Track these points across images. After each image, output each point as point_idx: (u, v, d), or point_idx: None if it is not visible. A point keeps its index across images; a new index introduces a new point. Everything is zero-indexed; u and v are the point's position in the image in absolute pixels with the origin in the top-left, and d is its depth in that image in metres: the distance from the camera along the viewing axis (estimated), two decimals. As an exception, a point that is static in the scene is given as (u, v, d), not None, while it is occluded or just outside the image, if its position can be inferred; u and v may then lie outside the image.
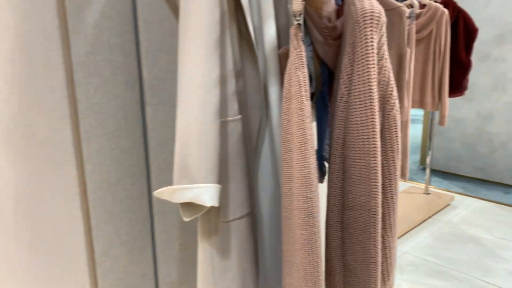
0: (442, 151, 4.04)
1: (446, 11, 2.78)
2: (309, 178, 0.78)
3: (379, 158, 0.83)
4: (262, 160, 1.03)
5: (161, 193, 0.84)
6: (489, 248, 2.70)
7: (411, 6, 2.78)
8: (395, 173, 0.90)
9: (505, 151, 3.67)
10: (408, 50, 2.60)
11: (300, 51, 0.80)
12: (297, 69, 0.79)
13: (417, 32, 2.86)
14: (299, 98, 0.79)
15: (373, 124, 0.82)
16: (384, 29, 0.85)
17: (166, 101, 1.09)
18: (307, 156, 0.78)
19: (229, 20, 0.90)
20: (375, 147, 0.82)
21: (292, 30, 0.83)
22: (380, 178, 0.84)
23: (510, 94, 3.56)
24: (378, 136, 0.82)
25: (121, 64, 1.04)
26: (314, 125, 1.70)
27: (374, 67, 0.82)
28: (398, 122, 0.88)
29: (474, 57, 3.72)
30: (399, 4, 2.53)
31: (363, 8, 0.83)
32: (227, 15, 0.87)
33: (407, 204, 3.25)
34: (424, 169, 4.19)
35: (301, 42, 0.81)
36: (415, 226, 3.02)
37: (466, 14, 2.95)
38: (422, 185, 3.73)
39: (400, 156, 0.91)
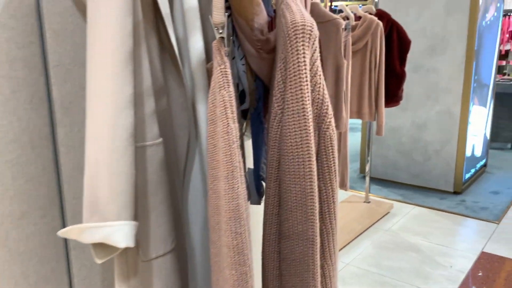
0: (381, 159, 4.13)
1: (380, 23, 2.83)
2: (238, 211, 0.70)
3: (315, 183, 0.76)
4: (192, 186, 0.93)
5: (67, 232, 0.72)
6: (428, 255, 2.75)
7: (347, 18, 2.80)
8: (333, 196, 0.83)
9: (438, 158, 3.80)
10: (345, 61, 2.61)
11: (224, 68, 0.72)
12: (222, 88, 0.71)
13: (353, 43, 2.88)
14: (224, 121, 0.70)
15: (308, 146, 0.75)
16: (316, 43, 0.79)
17: (80, 121, 0.97)
18: (235, 186, 0.70)
19: (147, 31, 0.80)
20: (310, 171, 0.75)
21: (215, 44, 0.75)
22: (317, 204, 0.77)
23: (442, 103, 3.70)
24: (313, 158, 0.76)
25: (24, 81, 0.90)
26: (249, 143, 1.62)
27: (307, 85, 0.75)
28: (335, 142, 0.82)
29: (408, 68, 3.83)
30: (335, 16, 2.54)
31: (294, 21, 0.76)
32: (142, 26, 0.77)
33: (348, 213, 3.26)
34: (364, 177, 4.25)
35: (225, 58, 0.73)
36: (357, 236, 3.03)
37: (399, 26, 3.03)
38: (362, 194, 3.77)
39: (337, 179, 0.85)
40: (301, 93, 0.75)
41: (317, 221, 0.77)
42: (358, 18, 3.00)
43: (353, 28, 2.88)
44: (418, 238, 2.98)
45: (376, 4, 3.27)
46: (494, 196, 3.72)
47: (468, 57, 3.52)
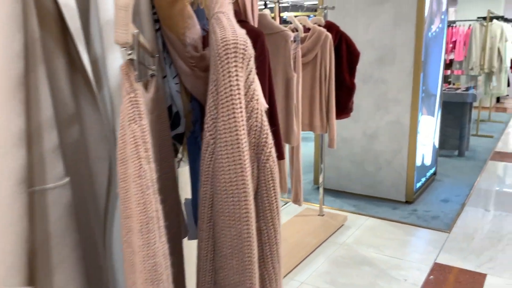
0: (334, 170, 4.11)
1: (329, 34, 2.80)
2: (155, 272, 0.58)
3: (252, 226, 0.66)
4: (116, 228, 0.80)
5: None
6: (382, 268, 2.71)
7: (296, 30, 2.74)
8: (276, 237, 0.73)
9: (390, 168, 3.82)
10: (295, 74, 2.55)
11: (134, 97, 0.60)
12: (132, 121, 0.59)
13: (303, 55, 2.83)
14: (136, 161, 0.58)
15: (243, 184, 0.65)
16: (252, 63, 0.69)
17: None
18: (151, 241, 0.58)
19: (50, 50, 0.67)
20: (247, 213, 0.65)
21: (122, 68, 0.62)
22: (255, 251, 0.67)
23: (392, 114, 3.73)
24: (250, 198, 0.65)
25: None
26: (186, 170, 1.50)
27: (241, 112, 0.65)
28: (276, 175, 0.72)
29: (358, 79, 3.84)
30: (283, 27, 2.47)
31: (224, 38, 0.66)
32: (40, 44, 0.64)
33: (302, 228, 3.18)
34: (318, 188, 4.21)
35: (135, 85, 0.62)
36: (312, 252, 2.95)
37: (348, 38, 3.01)
38: (316, 206, 3.72)
39: (280, 215, 0.75)
40: (235, 121, 0.64)
41: (256, 270, 0.67)
42: (307, 30, 2.96)
43: (302, 40, 2.83)
44: (372, 251, 2.95)
45: (325, 16, 3.24)
46: (444, 204, 3.77)
47: (416, 67, 3.57)
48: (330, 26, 2.95)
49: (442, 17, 4.10)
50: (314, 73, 2.87)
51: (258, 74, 2.14)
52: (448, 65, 9.10)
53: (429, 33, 3.73)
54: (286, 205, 3.81)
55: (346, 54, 3.02)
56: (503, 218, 3.46)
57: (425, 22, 3.54)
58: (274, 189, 0.71)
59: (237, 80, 0.65)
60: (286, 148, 2.91)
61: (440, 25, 4.06)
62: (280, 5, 2.79)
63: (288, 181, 3.72)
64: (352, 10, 3.78)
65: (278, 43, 2.38)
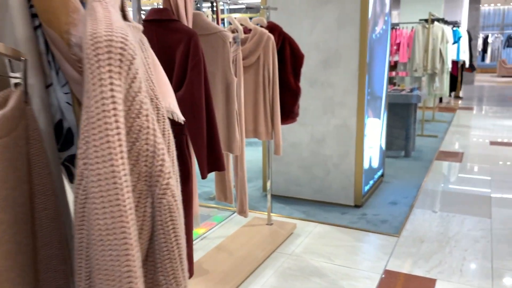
0: (283, 176, 3.99)
1: (271, 36, 2.66)
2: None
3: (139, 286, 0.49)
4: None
5: None
6: (332, 279, 2.60)
7: (236, 31, 2.59)
8: (179, 294, 0.56)
9: (338, 172, 3.74)
10: (236, 78, 2.39)
11: None
12: None
13: (245, 58, 2.68)
14: None
15: (123, 231, 0.47)
16: (135, 68, 0.52)
17: None
18: None
19: None
20: (130, 271, 0.47)
21: None
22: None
23: (339, 117, 3.65)
24: (134, 250, 0.48)
25: None
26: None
27: (117, 134, 0.48)
28: (177, 213, 0.55)
29: (304, 82, 3.75)
30: (220, 28, 2.30)
31: (95, 33, 0.48)
32: None
33: (249, 240, 3.03)
34: (266, 195, 4.08)
35: None
36: (260, 264, 2.80)
37: (291, 40, 2.89)
38: (265, 214, 3.58)
39: (185, 265, 0.58)
40: (108, 147, 0.47)
41: None
42: (248, 30, 2.81)
43: (244, 42, 2.68)
44: (322, 260, 2.83)
45: (268, 17, 3.11)
46: (393, 207, 3.75)
47: (361, 70, 3.51)
48: (273, 27, 2.82)
49: (386, 18, 4.09)
50: (257, 76, 2.72)
51: (192, 78, 1.96)
52: (393, 67, 9.30)
53: (373, 35, 3.69)
54: (233, 215, 3.64)
55: (290, 57, 2.90)
56: (449, 219, 3.47)
57: (369, 23, 3.49)
58: (174, 232, 0.55)
59: (111, 90, 0.48)
60: (231, 156, 2.75)
61: (384, 27, 4.05)
62: (221, 5, 2.63)
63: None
64: (296, 11, 3.68)
65: (216, 45, 2.21)
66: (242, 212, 2.64)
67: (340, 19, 3.52)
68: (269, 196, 3.25)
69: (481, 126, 7.44)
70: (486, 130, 7.09)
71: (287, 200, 3.95)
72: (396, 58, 9.29)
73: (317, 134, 3.77)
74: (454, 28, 8.79)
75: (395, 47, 9.22)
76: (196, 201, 2.27)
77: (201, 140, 1.96)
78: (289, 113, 2.96)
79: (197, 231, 3.30)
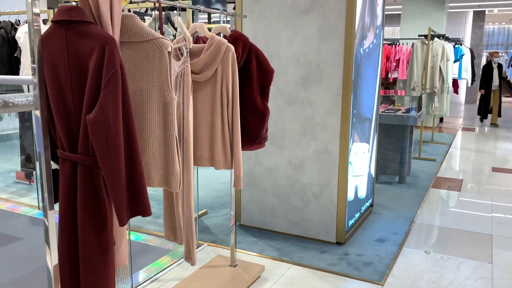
0: (256, 205, 3.53)
1: (231, 47, 2.23)
2: None
3: None
4: None
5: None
6: None
7: (184, 39, 2.16)
8: None
9: (318, 204, 3.29)
10: (176, 97, 1.95)
11: None
12: None
13: (199, 72, 2.25)
14: None
15: None
16: None
17: None
18: None
19: None
20: None
21: None
22: None
23: (319, 140, 3.21)
24: None
25: None
26: None
27: None
28: None
29: (282, 100, 3.31)
30: (157, 34, 1.85)
31: None
32: None
33: (206, 285, 2.56)
34: (240, 225, 3.62)
35: None
36: (213, 319, 2.33)
37: (259, 52, 2.46)
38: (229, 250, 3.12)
39: None
40: None
41: None
42: (205, 39, 2.37)
43: (198, 53, 2.25)
44: (289, 315, 2.36)
45: (239, 28, 2.68)
46: (380, 245, 3.28)
47: (345, 88, 3.08)
48: (236, 37, 2.39)
49: (377, 31, 3.67)
50: (214, 94, 2.29)
51: (106, 97, 1.51)
52: (392, 83, 8.87)
53: (361, 49, 3.26)
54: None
55: (257, 72, 2.47)
56: (444, 262, 3.00)
57: (355, 36, 3.07)
58: None
59: None
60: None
61: (375, 41, 3.62)
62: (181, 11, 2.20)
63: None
64: (273, 20, 3.26)
65: (151, 55, 1.78)
66: (188, 258, 2.18)
67: (322, 30, 3.10)
68: (233, 235, 2.79)
69: (483, 149, 6.97)
70: (488, 154, 6.62)
71: (261, 233, 3.49)
72: (395, 75, 8.86)
73: (295, 159, 3.32)
74: (456, 46, 8.38)
75: (394, 64, 8.81)
76: (125, 250, 1.81)
77: (117, 177, 1.52)
78: (255, 137, 2.51)
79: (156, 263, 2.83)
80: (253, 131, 2.49)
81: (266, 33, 3.30)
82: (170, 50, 1.79)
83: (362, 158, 3.56)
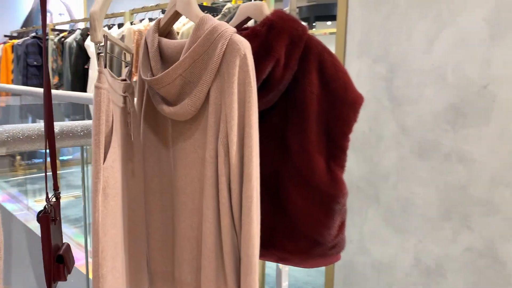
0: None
1: (241, 42, 0.94)
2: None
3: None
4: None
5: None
6: None
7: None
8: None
9: None
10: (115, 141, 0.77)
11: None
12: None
13: (173, 102, 1.02)
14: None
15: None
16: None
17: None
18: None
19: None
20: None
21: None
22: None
23: (478, 232, 1.65)
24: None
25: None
26: None
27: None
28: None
29: (407, 149, 1.85)
30: None
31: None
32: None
33: None
34: None
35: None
36: None
37: (329, 58, 1.11)
38: None
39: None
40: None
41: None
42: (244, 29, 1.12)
43: (172, 58, 1.02)
44: None
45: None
46: None
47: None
48: (276, 26, 1.09)
49: None
50: (204, 150, 1.03)
51: None
52: None
53: None
54: None
55: (320, 101, 1.12)
56: None
57: None
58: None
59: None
60: None
61: None
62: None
63: None
64: (402, 4, 1.83)
65: None
66: None
67: (497, 19, 1.56)
68: None
69: None
70: None
71: None
72: None
73: (427, 258, 1.81)
74: None
75: None
76: None
77: None
78: (312, 244, 1.16)
79: None
80: (307, 232, 1.14)
81: (386, 28, 1.88)
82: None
83: None
